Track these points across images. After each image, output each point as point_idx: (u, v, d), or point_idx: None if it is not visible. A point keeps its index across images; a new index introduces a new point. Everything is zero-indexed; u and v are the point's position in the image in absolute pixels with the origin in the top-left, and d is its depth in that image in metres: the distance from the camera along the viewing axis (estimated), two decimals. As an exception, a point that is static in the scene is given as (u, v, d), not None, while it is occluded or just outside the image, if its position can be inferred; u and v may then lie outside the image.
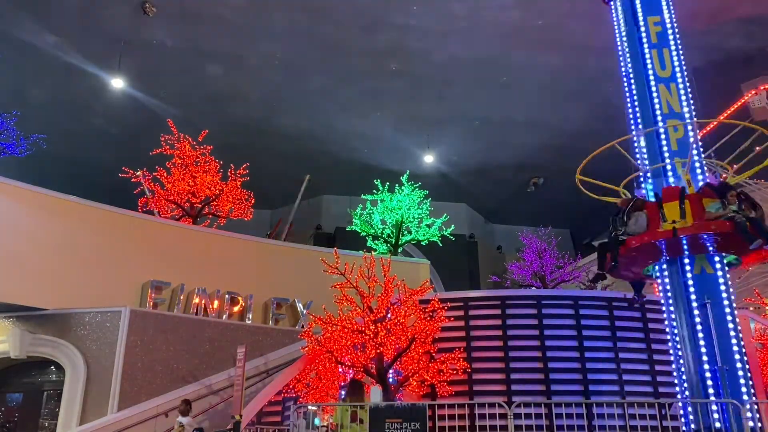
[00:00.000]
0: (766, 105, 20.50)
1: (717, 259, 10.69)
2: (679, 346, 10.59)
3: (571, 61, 21.41)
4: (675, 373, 10.98)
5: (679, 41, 12.38)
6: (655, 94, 11.89)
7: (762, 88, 20.77)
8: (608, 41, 13.62)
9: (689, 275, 10.63)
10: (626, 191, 11.95)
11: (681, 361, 10.51)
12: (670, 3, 12.66)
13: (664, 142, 11.51)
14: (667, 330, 11.12)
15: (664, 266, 11.12)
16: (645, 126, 11.85)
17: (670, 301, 10.90)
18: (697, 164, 11.30)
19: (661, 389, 13.01)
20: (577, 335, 13.47)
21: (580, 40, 20.28)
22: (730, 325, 10.24)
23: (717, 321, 10.16)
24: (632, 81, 12.33)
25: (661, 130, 11.54)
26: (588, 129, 23.14)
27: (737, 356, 10.08)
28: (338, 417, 10.20)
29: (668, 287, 10.99)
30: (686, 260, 10.73)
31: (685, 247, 10.51)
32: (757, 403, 10.20)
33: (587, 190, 12.15)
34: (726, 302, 10.42)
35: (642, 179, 11.73)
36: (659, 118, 11.69)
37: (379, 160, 26.37)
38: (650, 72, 12.05)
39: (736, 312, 10.60)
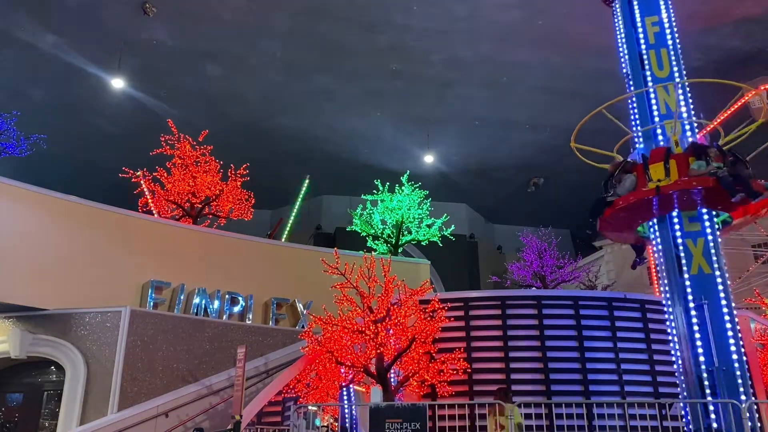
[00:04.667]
0: (767, 105, 20.46)
1: (706, 216, 11.19)
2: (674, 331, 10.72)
3: (571, 61, 21.41)
4: (675, 372, 11.00)
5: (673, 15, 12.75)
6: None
7: (762, 88, 20.75)
8: (608, 41, 13.66)
9: (678, 230, 11.14)
10: (620, 156, 12.29)
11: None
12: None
13: (654, 104, 12.00)
14: (667, 320, 11.24)
15: (655, 225, 11.58)
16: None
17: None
18: (687, 126, 11.74)
19: (661, 389, 13.03)
20: (577, 335, 13.49)
21: (580, 40, 20.27)
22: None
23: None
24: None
25: (651, 92, 12.07)
26: (588, 129, 23.05)
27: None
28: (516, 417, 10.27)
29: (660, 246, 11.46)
30: (674, 217, 11.26)
31: (675, 203, 11.06)
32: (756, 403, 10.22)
33: (587, 165, 12.53)
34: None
35: (635, 142, 12.22)
36: (649, 80, 12.27)
37: (379, 160, 26.38)
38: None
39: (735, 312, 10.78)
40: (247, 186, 19.10)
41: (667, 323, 11.22)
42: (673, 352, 11.05)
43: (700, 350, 10.27)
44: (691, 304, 10.59)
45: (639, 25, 12.55)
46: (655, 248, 11.74)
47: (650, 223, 11.78)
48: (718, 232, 11.25)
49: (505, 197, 30.06)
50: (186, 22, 20.27)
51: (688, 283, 10.73)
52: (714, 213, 11.26)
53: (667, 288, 11.10)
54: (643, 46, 12.41)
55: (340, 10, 19.77)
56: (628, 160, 11.69)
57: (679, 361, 10.67)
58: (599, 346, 13.42)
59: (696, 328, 10.41)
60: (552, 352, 13.27)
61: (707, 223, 11.11)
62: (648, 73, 12.21)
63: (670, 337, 11.19)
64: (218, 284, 15.75)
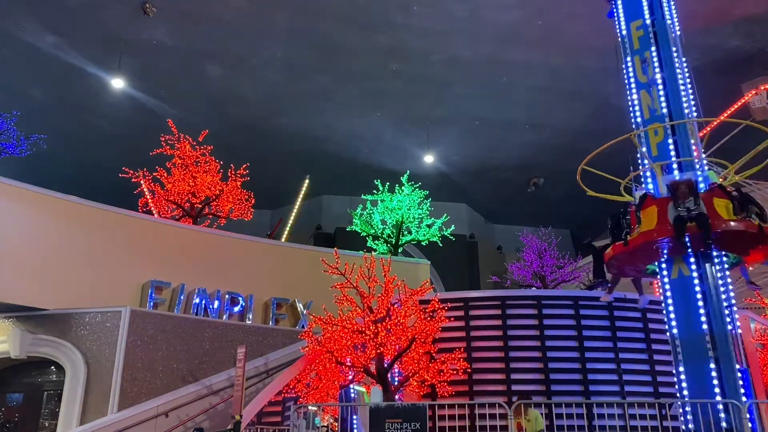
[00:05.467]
0: (766, 105, 20.49)
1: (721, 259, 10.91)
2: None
3: (571, 61, 21.42)
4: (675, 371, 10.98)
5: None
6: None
7: (762, 88, 20.75)
8: (608, 41, 13.63)
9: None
10: (628, 188, 12.06)
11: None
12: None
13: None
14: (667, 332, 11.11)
15: (692, 260, 10.87)
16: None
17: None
18: (704, 162, 11.49)
19: (661, 389, 13.02)
20: (577, 335, 13.48)
21: (580, 40, 20.27)
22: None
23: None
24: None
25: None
26: (588, 129, 23.15)
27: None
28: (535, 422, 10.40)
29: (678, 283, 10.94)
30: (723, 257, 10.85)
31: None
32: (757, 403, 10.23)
33: (589, 187, 12.23)
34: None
35: (647, 174, 11.74)
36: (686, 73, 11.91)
37: (379, 160, 26.38)
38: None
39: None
40: (247, 186, 19.11)
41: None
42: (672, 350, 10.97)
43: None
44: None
45: (668, 19, 12.42)
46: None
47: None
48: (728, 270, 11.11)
49: (505, 197, 30.07)
50: (186, 22, 20.27)
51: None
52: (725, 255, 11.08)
53: (695, 275, 10.78)
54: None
55: (340, 10, 19.78)
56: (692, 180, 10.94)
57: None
58: (599, 346, 13.41)
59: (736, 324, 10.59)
60: (552, 352, 13.26)
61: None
62: (684, 60, 12.04)
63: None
64: (218, 284, 15.75)
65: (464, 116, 24.57)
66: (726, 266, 10.93)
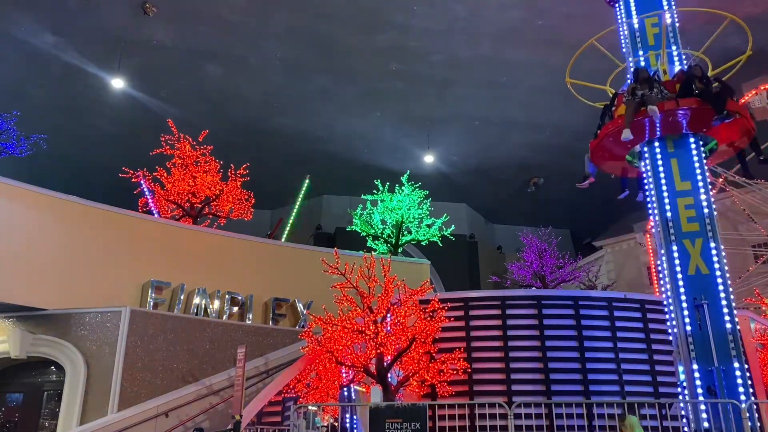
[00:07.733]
0: (767, 105, 20.48)
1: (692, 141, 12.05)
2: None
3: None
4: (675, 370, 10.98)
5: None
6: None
7: (762, 88, 20.74)
8: (608, 41, 13.64)
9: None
10: (613, 90, 13.28)
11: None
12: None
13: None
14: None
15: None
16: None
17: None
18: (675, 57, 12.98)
19: (661, 389, 13.01)
20: (577, 335, 13.47)
21: (580, 40, 20.24)
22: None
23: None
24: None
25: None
26: (588, 129, 23.06)
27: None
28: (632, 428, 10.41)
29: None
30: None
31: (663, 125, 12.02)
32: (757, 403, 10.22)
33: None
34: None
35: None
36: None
37: (379, 160, 26.39)
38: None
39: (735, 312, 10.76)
40: (247, 186, 19.10)
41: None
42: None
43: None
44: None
45: None
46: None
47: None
48: (705, 161, 11.90)
49: (505, 197, 30.08)
50: (186, 22, 20.28)
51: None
52: (701, 141, 12.04)
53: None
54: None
55: (340, 10, 19.79)
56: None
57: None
58: (599, 346, 13.40)
59: None
60: (552, 352, 13.25)
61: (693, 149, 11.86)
62: None
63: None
64: (218, 284, 15.75)
65: (464, 116, 24.58)
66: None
